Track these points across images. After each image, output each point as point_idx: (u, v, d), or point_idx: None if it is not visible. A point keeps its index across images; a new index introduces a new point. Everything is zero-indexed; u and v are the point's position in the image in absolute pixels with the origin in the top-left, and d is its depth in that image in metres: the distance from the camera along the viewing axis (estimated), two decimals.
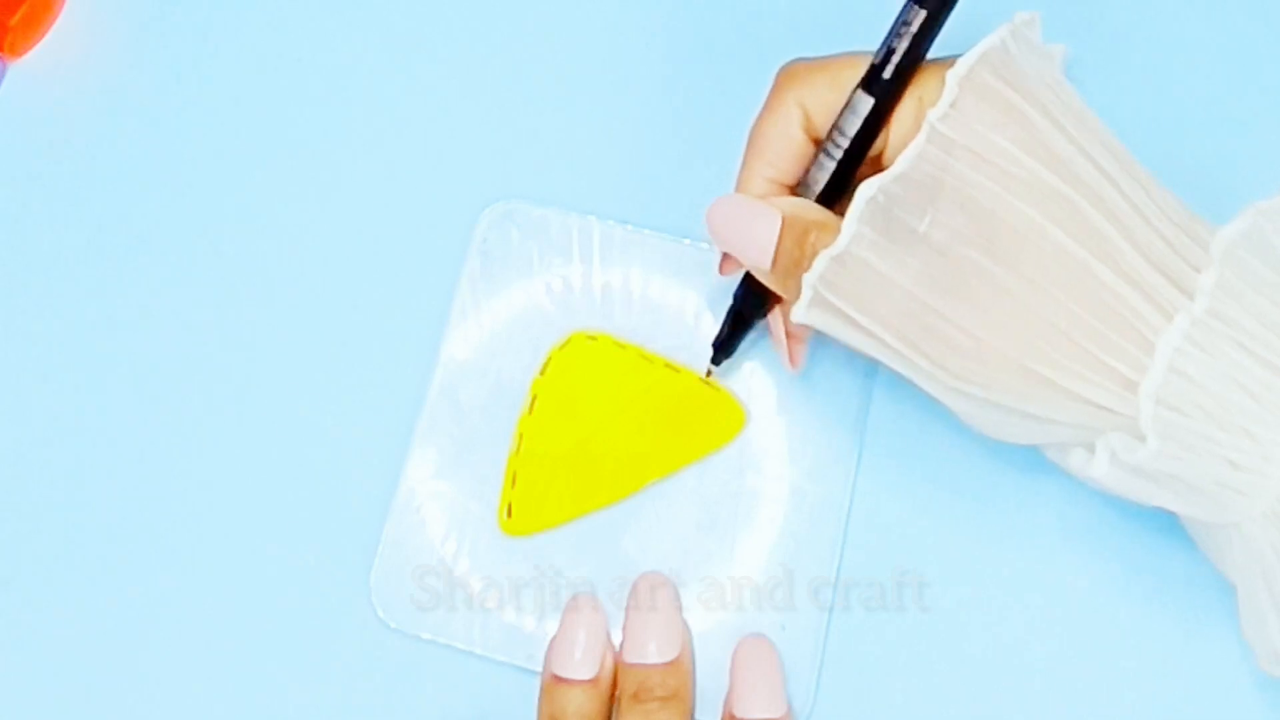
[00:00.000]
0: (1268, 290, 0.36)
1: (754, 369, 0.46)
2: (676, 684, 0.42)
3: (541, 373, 0.47)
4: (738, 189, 0.42)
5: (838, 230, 0.37)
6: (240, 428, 0.48)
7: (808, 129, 0.41)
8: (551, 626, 0.44)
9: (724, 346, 0.45)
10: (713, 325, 0.46)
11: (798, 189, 0.42)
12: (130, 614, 0.46)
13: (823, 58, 0.41)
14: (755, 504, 0.45)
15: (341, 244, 0.49)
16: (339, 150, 0.50)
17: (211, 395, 0.48)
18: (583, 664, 0.42)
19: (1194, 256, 0.37)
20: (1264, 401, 0.35)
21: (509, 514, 0.45)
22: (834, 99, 0.40)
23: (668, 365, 0.47)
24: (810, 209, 0.40)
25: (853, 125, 0.40)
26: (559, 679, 0.42)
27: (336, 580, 0.46)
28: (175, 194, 0.50)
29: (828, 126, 0.41)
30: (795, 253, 0.39)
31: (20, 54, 0.53)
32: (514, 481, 0.46)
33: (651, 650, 0.42)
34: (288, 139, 0.51)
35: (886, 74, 0.39)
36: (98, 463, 0.47)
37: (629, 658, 0.43)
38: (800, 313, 0.39)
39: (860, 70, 0.40)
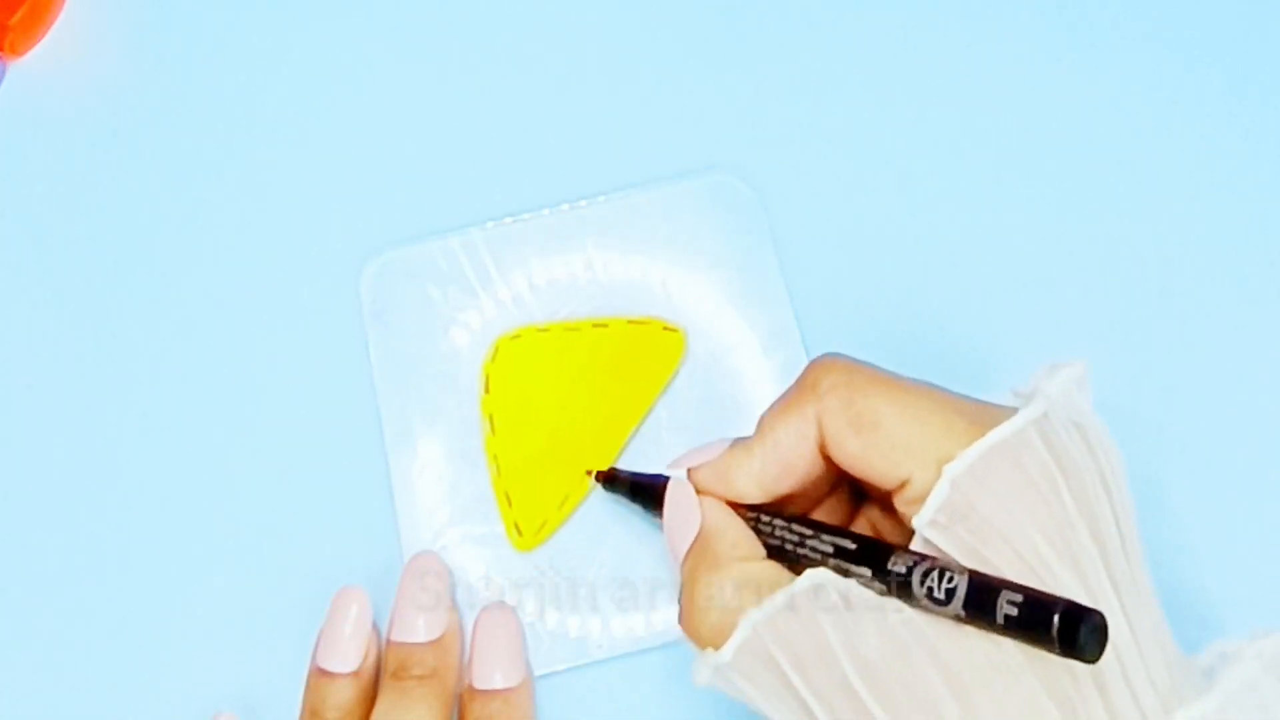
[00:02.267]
0: None
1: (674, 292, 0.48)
2: (437, 662, 0.42)
3: (486, 391, 0.47)
4: (721, 469, 0.39)
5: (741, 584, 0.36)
6: (231, 460, 0.47)
7: (823, 448, 0.37)
8: (553, 623, 0.44)
9: (611, 484, 0.45)
10: (621, 266, 0.48)
11: (791, 501, 0.39)
12: (133, 620, 0.46)
13: (855, 369, 0.37)
14: (734, 406, 0.46)
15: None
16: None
17: (206, 401, 0.48)
18: (345, 657, 0.42)
19: None
20: None
21: (519, 531, 0.45)
22: (850, 439, 0.36)
23: (594, 324, 0.47)
24: (737, 533, 0.38)
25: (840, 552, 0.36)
26: (322, 672, 0.42)
27: None
28: (175, 193, 0.50)
29: (840, 459, 0.37)
30: (695, 565, 0.38)
31: (20, 54, 0.53)
32: (509, 501, 0.45)
33: (420, 628, 0.42)
34: (293, 125, 0.51)
35: (895, 566, 0.35)
36: (94, 462, 0.47)
37: (395, 637, 0.43)
38: (727, 653, 0.35)
39: (882, 405, 0.36)
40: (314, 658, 0.43)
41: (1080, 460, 0.34)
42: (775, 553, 0.38)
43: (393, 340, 0.48)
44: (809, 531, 0.37)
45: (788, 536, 0.38)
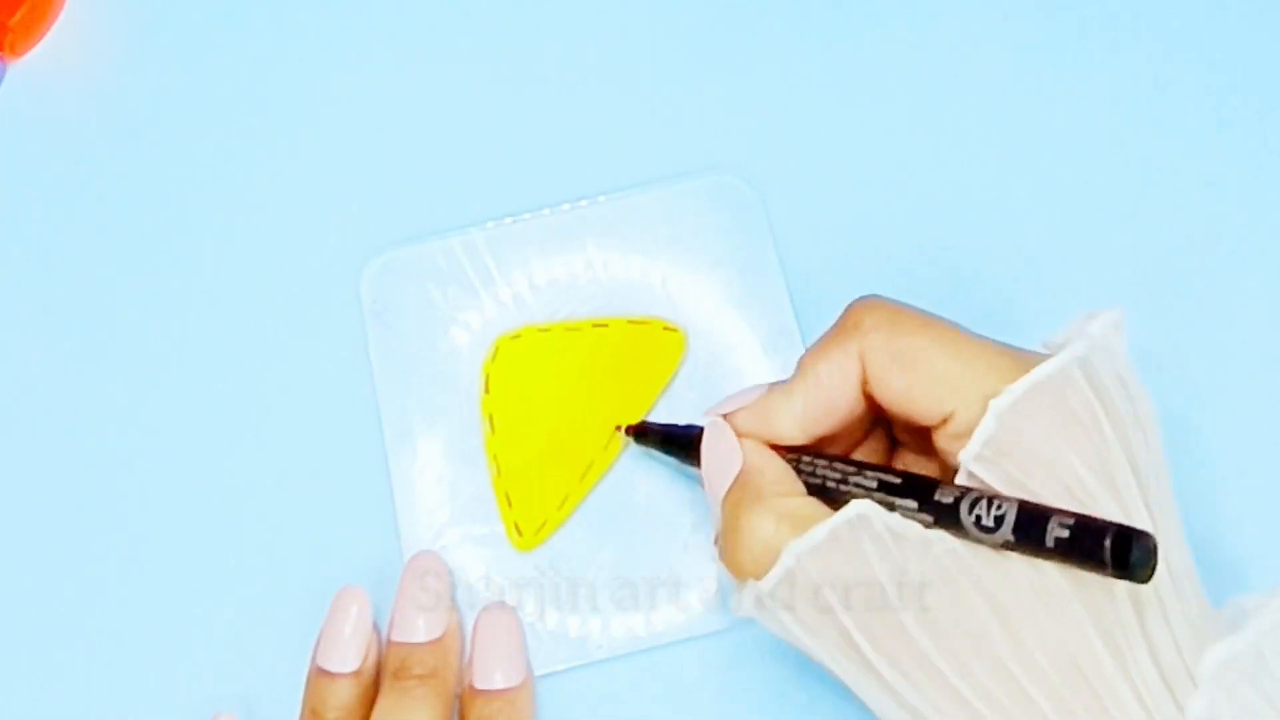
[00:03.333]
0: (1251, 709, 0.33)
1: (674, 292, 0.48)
2: (437, 662, 0.42)
3: (486, 391, 0.47)
4: (762, 410, 0.39)
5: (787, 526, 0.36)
6: (226, 463, 0.48)
7: (864, 387, 0.38)
8: (553, 623, 0.44)
9: (642, 437, 0.45)
10: (621, 266, 0.47)
11: (830, 442, 0.39)
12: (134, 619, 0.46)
13: (897, 309, 0.38)
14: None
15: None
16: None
17: (206, 401, 0.48)
18: (346, 657, 0.42)
19: (1194, 662, 0.34)
20: None
21: (519, 532, 0.45)
22: (893, 375, 0.37)
23: (594, 324, 0.47)
24: (779, 471, 0.38)
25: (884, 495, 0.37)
26: (322, 672, 0.42)
27: None
28: (175, 194, 0.50)
29: (883, 395, 0.37)
30: (737, 501, 0.38)
31: (20, 54, 0.53)
32: (509, 501, 0.45)
33: (420, 628, 0.42)
34: (293, 126, 0.51)
35: (941, 497, 0.35)
36: (94, 462, 0.47)
37: (395, 637, 0.42)
38: (770, 582, 0.36)
39: (925, 344, 0.36)
40: (314, 658, 0.43)
41: (1120, 403, 0.35)
42: (816, 492, 0.38)
43: (393, 340, 0.48)
44: (851, 469, 0.37)
45: (829, 474, 0.38)
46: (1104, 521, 0.32)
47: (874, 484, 0.37)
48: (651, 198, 0.49)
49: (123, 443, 0.47)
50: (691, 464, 0.42)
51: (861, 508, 0.35)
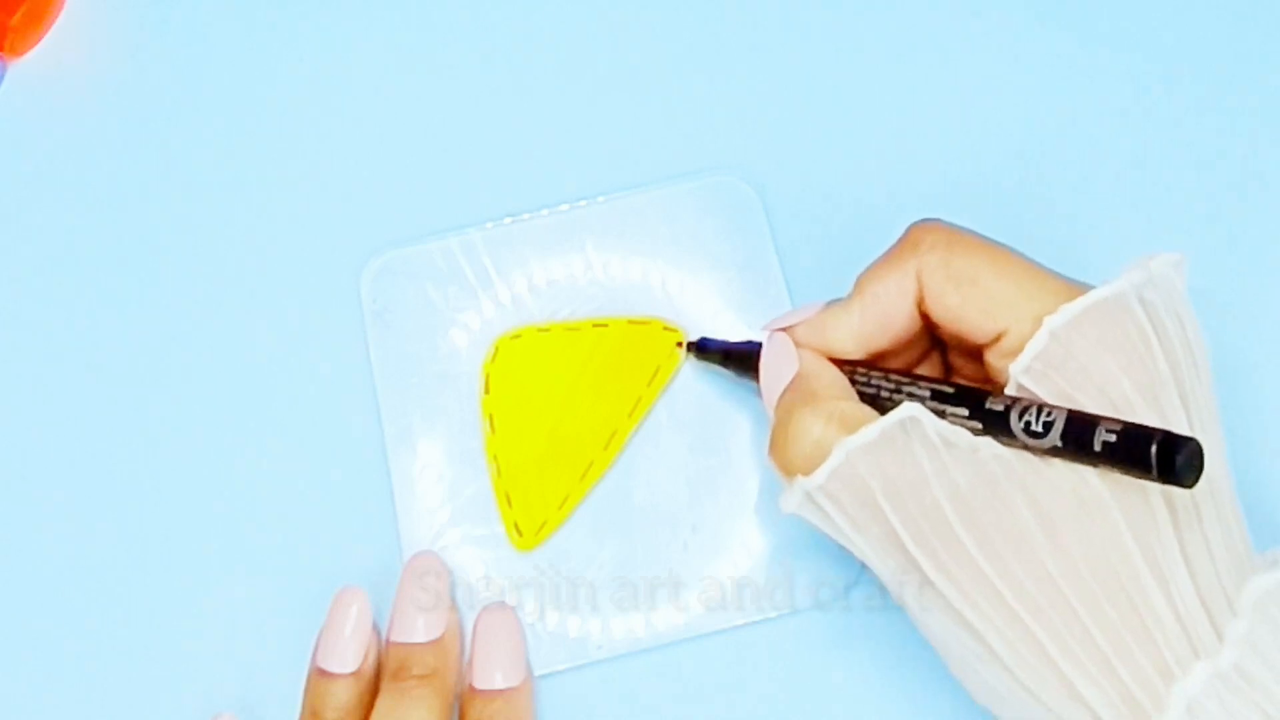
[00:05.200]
0: None
1: (674, 292, 0.48)
2: (437, 662, 0.42)
3: (486, 391, 0.47)
4: (818, 324, 0.41)
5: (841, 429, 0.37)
6: (229, 454, 0.48)
7: (920, 304, 0.39)
8: (553, 623, 0.44)
9: (703, 353, 0.46)
10: (621, 267, 0.48)
11: (885, 358, 0.41)
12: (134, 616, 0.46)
13: (955, 231, 0.39)
14: (734, 406, 0.46)
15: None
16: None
17: (206, 402, 0.48)
18: (345, 658, 0.42)
19: (1234, 593, 0.34)
20: None
21: (519, 532, 0.45)
22: (949, 293, 0.38)
23: (594, 325, 0.47)
24: (834, 374, 0.39)
25: (940, 388, 0.38)
26: (322, 672, 0.42)
27: None
28: (175, 194, 0.50)
29: (938, 312, 0.39)
30: (791, 402, 0.39)
31: (20, 54, 0.53)
32: (509, 501, 0.46)
33: (420, 628, 0.42)
34: (295, 129, 0.51)
35: (992, 405, 0.36)
36: (94, 462, 0.47)
37: (395, 637, 0.43)
38: (820, 477, 0.37)
39: (981, 264, 0.38)
40: (314, 658, 0.43)
41: (1173, 332, 0.36)
42: (869, 401, 0.39)
43: (393, 340, 0.48)
44: (905, 379, 0.39)
45: (884, 385, 0.39)
46: (1150, 428, 0.33)
47: (927, 393, 0.38)
48: (651, 198, 0.49)
49: (123, 443, 0.47)
50: (750, 378, 0.43)
51: (913, 410, 0.36)
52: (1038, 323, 0.36)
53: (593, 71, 0.51)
